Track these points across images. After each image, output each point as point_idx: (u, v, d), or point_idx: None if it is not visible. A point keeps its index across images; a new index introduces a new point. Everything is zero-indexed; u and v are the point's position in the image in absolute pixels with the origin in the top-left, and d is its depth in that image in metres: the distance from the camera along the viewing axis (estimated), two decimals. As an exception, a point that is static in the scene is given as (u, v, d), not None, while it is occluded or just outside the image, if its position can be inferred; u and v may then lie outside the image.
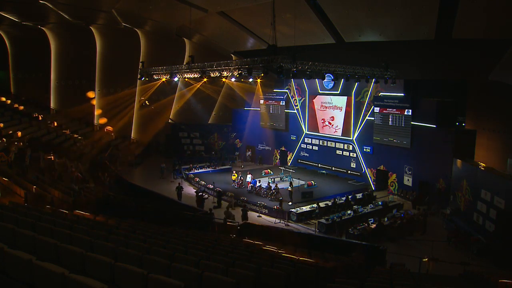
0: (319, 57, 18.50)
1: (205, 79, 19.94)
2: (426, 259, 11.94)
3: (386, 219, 17.01)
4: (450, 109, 20.94)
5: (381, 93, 23.31)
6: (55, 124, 28.63)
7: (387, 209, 18.83)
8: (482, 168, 16.77)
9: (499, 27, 16.99)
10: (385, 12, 19.14)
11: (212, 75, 18.22)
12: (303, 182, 23.18)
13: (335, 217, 17.10)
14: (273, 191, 20.47)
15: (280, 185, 21.40)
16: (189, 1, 20.61)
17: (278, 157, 30.26)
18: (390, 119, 22.56)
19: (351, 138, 25.42)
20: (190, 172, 25.60)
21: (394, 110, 22.31)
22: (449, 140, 19.75)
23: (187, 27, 22.92)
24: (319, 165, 27.30)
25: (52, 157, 22.47)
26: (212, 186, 21.85)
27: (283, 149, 29.95)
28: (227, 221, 15.97)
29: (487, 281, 10.08)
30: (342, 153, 26.08)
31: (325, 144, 27.10)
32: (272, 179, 23.42)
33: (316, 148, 27.74)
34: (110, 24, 26.77)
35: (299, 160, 28.73)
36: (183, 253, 6.63)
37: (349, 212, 18.06)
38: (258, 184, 21.82)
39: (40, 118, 28.13)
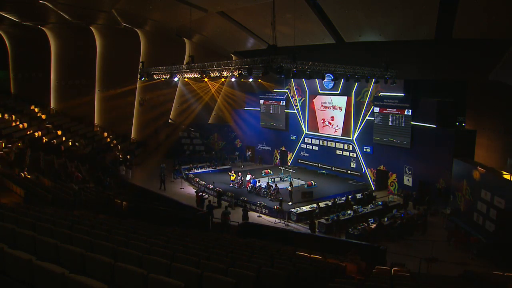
0: (319, 57, 18.48)
1: (205, 78, 19.90)
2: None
3: (386, 219, 17.00)
4: (450, 109, 20.95)
5: (381, 93, 23.31)
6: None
7: (387, 209, 18.83)
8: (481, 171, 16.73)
9: (499, 27, 16.98)
10: (385, 12, 19.13)
11: (212, 75, 18.21)
12: (303, 182, 23.17)
13: (335, 217, 17.10)
14: (273, 191, 20.46)
15: (280, 185, 21.40)
16: (189, 1, 20.60)
17: (278, 157, 30.26)
18: (390, 119, 22.56)
19: (351, 138, 25.41)
20: (190, 172, 25.60)
21: (394, 110, 22.31)
22: (449, 140, 19.76)
23: (187, 27, 22.90)
24: (319, 165, 27.30)
25: (52, 157, 22.47)
26: (212, 186, 21.86)
27: (283, 149, 29.94)
28: (226, 221, 16.00)
29: (487, 281, 10.08)
30: (342, 153, 26.08)
31: (325, 144, 27.10)
32: (272, 179, 23.41)
33: (316, 148, 27.74)
34: (110, 24, 26.78)
35: (299, 160, 28.73)
36: (183, 253, 6.63)
37: (349, 212, 18.05)
38: (258, 184, 21.82)
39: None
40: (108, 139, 30.12)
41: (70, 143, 26.71)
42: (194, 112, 32.47)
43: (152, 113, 31.85)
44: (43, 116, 29.49)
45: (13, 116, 26.85)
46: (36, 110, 29.78)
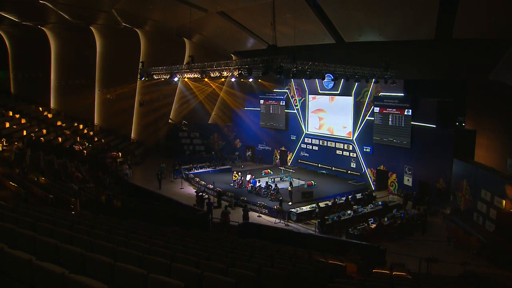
0: (319, 57, 18.48)
1: (205, 78, 19.91)
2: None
3: (386, 219, 17.00)
4: (450, 109, 20.93)
5: (381, 93, 23.30)
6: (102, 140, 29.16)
7: (387, 209, 18.82)
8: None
9: (499, 27, 16.99)
10: (385, 12, 19.13)
11: (212, 75, 18.22)
12: (303, 182, 23.17)
13: (335, 217, 17.10)
14: (273, 191, 20.46)
15: (280, 185, 21.40)
16: (189, 1, 20.61)
17: (278, 157, 30.25)
18: (390, 119, 22.55)
19: (351, 138, 25.41)
20: (190, 172, 25.60)
21: (394, 110, 22.30)
22: (449, 140, 19.76)
23: (187, 27, 22.91)
24: (319, 165, 27.29)
25: (52, 157, 22.47)
26: (212, 186, 21.85)
27: (283, 149, 29.94)
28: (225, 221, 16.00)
29: (487, 281, 10.08)
30: (342, 153, 26.08)
31: (325, 144, 27.09)
32: (272, 179, 23.41)
33: (316, 148, 27.74)
34: (110, 24, 26.79)
35: (299, 160, 28.73)
36: (183, 253, 6.63)
37: (349, 212, 18.05)
38: (258, 184, 21.81)
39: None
40: (103, 140, 30.06)
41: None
42: (193, 110, 32.49)
43: (152, 113, 31.86)
44: (50, 115, 29.60)
45: (17, 116, 26.93)
46: (40, 109, 29.86)
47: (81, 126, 30.34)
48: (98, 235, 7.01)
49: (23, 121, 26.89)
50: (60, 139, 26.73)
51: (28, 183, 16.09)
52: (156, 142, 32.95)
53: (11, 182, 15.74)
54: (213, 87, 30.81)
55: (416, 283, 8.44)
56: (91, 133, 30.38)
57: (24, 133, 24.81)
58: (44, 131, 26.68)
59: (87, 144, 27.81)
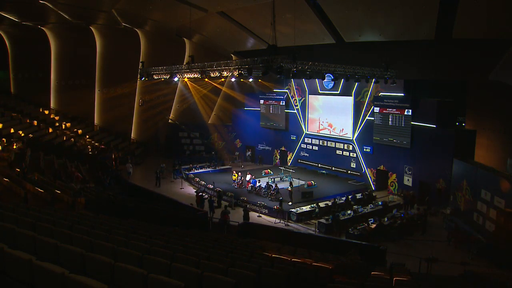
0: (319, 57, 18.47)
1: (205, 79, 19.92)
2: None
3: (386, 219, 17.00)
4: (450, 109, 20.94)
5: (381, 93, 23.30)
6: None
7: (387, 209, 18.82)
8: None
9: (499, 27, 16.99)
10: (385, 12, 19.14)
11: (212, 75, 18.21)
12: (303, 182, 23.16)
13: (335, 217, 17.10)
14: (273, 191, 20.45)
15: (280, 185, 21.39)
16: (189, 1, 20.62)
17: (278, 157, 30.25)
18: (390, 119, 22.55)
19: (351, 138, 25.40)
20: (190, 172, 25.59)
21: (394, 110, 22.30)
22: (449, 140, 19.76)
23: (187, 27, 22.92)
24: (319, 165, 27.29)
25: (52, 157, 22.48)
26: (212, 186, 21.85)
27: (283, 149, 29.94)
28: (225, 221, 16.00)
29: (487, 281, 10.08)
30: (342, 153, 26.07)
31: (325, 144, 27.09)
32: (272, 179, 23.40)
33: (316, 148, 27.74)
34: (110, 24, 26.81)
35: (299, 160, 28.72)
36: (183, 253, 6.63)
37: (349, 212, 18.05)
38: (258, 184, 21.81)
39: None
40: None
41: (70, 143, 26.75)
42: (193, 110, 32.48)
43: (152, 113, 31.86)
44: (50, 116, 29.58)
45: (20, 115, 26.94)
46: (41, 109, 29.85)
47: (74, 128, 30.23)
48: (98, 235, 7.01)
49: (24, 121, 26.90)
50: (65, 137, 26.77)
51: (27, 183, 16.10)
52: (156, 142, 32.95)
53: (5, 179, 15.76)
54: (215, 85, 30.75)
55: (416, 283, 8.44)
56: (87, 136, 30.36)
57: (22, 133, 24.78)
58: (49, 130, 26.73)
59: (95, 143, 27.81)
